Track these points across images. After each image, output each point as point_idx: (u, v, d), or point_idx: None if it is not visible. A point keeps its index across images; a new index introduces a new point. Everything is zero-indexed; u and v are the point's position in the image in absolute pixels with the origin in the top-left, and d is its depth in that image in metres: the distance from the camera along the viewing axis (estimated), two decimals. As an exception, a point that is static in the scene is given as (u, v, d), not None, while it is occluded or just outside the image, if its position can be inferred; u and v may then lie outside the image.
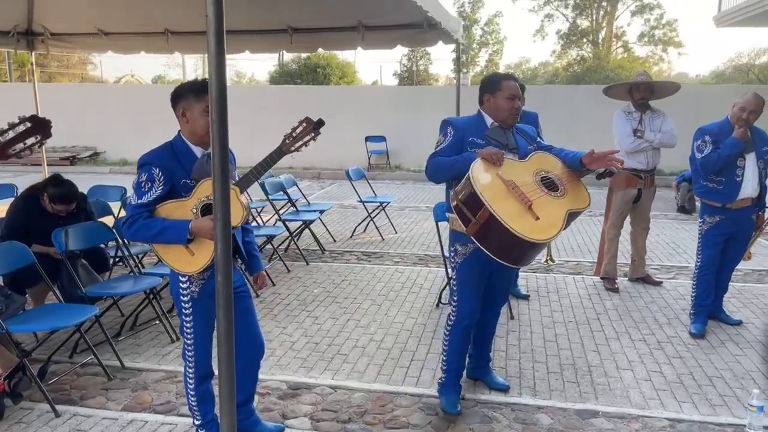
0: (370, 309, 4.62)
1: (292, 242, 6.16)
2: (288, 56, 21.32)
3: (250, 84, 30.84)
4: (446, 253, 3.17)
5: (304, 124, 2.65)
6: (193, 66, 34.38)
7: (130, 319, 4.18)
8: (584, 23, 28.64)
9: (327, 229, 7.02)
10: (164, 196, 2.44)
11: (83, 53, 21.58)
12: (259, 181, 6.23)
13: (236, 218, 2.34)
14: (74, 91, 15.49)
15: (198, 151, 2.49)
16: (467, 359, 3.30)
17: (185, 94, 2.45)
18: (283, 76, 20.45)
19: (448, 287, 3.14)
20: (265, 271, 5.21)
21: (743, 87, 12.44)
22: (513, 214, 2.57)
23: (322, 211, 6.61)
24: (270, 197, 6.11)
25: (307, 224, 6.36)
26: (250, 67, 68.95)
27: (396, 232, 7.33)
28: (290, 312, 4.55)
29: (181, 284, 2.50)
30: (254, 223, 6.03)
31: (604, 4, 27.70)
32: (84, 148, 14.21)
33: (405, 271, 5.65)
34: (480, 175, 2.67)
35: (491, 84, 3.00)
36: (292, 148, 2.64)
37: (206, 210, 2.37)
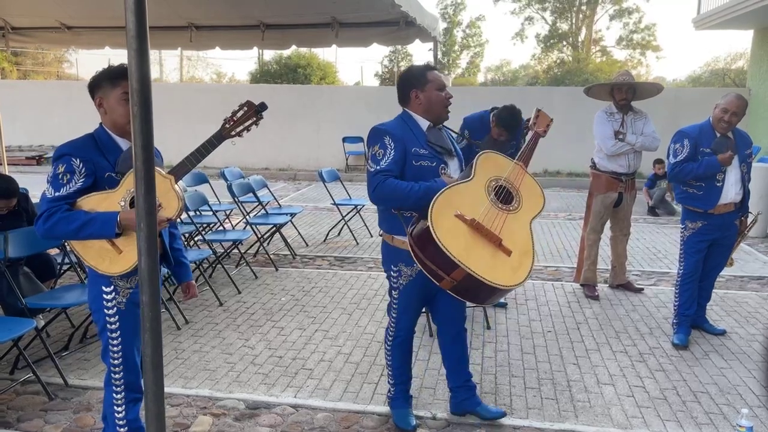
0: (340, 318, 4.38)
1: (261, 247, 5.90)
2: (269, 56, 21.02)
3: (229, 83, 30.37)
4: (384, 269, 2.87)
5: (245, 108, 2.51)
6: (173, 65, 33.84)
7: (80, 331, 3.88)
8: (563, 26, 28.73)
9: (299, 233, 6.76)
10: (86, 190, 2.18)
11: (47, 48, 21.00)
12: (227, 182, 5.99)
13: (171, 210, 2.16)
14: (41, 89, 15.02)
15: (122, 142, 2.26)
16: (450, 394, 3.05)
17: (100, 83, 2.23)
18: (263, 76, 20.11)
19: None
20: (230, 277, 5.04)
21: (720, 90, 12.46)
22: (488, 263, 2.34)
23: (293, 215, 6.35)
24: (239, 199, 5.84)
25: (277, 228, 6.11)
26: (231, 66, 68.32)
27: (371, 236, 7.09)
28: (255, 322, 4.29)
29: (105, 295, 2.24)
30: (221, 227, 5.75)
31: (583, 8, 27.80)
32: (51, 147, 13.75)
33: (378, 278, 5.41)
34: (442, 226, 2.34)
35: (417, 78, 2.70)
36: (233, 133, 2.49)
37: None
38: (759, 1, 9.46)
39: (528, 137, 2.94)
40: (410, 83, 2.72)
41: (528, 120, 3.18)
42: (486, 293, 2.40)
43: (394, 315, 2.86)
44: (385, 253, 2.85)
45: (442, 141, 2.73)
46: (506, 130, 4.17)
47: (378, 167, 2.59)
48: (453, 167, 2.76)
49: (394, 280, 2.79)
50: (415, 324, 2.93)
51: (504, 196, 2.57)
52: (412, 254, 2.45)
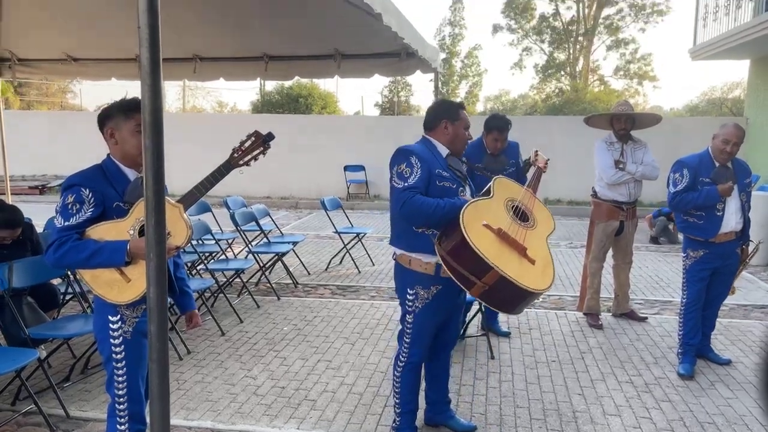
0: (343, 348, 4.36)
1: (263, 276, 5.89)
2: (270, 86, 21.26)
3: (231, 113, 30.65)
4: (398, 294, 2.94)
5: (253, 138, 2.55)
6: (175, 94, 34.20)
7: (81, 362, 3.86)
8: (561, 56, 29.10)
9: (301, 261, 6.76)
10: (95, 219, 2.21)
11: (53, 80, 21.29)
12: (230, 211, 6.02)
13: (180, 238, 2.19)
14: (44, 119, 15.16)
15: (130, 173, 2.30)
16: (426, 406, 3.20)
17: (113, 114, 2.27)
18: (265, 106, 20.33)
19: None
20: (232, 306, 5.03)
21: (718, 120, 12.58)
22: (518, 268, 2.47)
23: (295, 243, 6.37)
24: (241, 228, 5.86)
25: (279, 256, 6.11)
26: (233, 96, 69.07)
27: (373, 264, 7.09)
28: (257, 352, 4.27)
29: (111, 324, 2.24)
30: (223, 256, 5.76)
31: (580, 38, 28.23)
32: (54, 176, 13.84)
33: (381, 306, 5.40)
34: (473, 232, 2.47)
35: (452, 111, 2.90)
36: (241, 162, 2.52)
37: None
38: (754, 33, 9.62)
39: (530, 173, 3.13)
40: (443, 114, 2.89)
41: (528, 159, 3.51)
42: (515, 298, 2.52)
43: (407, 340, 2.89)
44: (400, 277, 2.89)
45: (460, 167, 2.92)
46: (498, 131, 4.26)
47: (405, 184, 2.68)
48: (467, 193, 2.90)
49: (410, 304, 2.83)
50: (427, 350, 2.94)
51: (521, 215, 2.74)
52: (442, 262, 2.55)
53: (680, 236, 5.78)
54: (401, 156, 2.75)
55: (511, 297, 2.51)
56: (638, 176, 4.77)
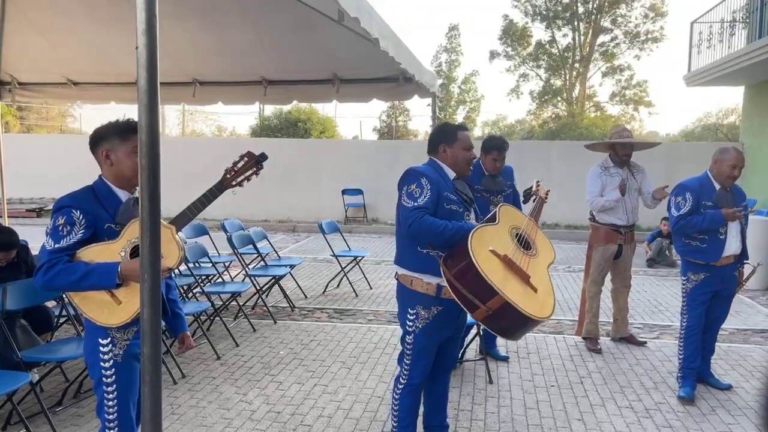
0: (340, 372, 4.31)
1: (260, 299, 5.85)
2: (269, 110, 21.44)
3: (231, 137, 30.80)
4: (399, 314, 2.93)
5: (246, 159, 2.53)
6: (175, 119, 34.36)
7: (74, 386, 3.80)
8: (557, 82, 29.40)
9: (298, 285, 6.73)
10: (85, 241, 2.18)
11: (53, 103, 21.43)
12: (227, 234, 6.00)
13: (172, 259, 2.16)
14: (44, 142, 15.22)
15: (122, 194, 2.28)
16: (423, 431, 3.13)
17: (108, 136, 2.26)
18: (264, 130, 20.48)
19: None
20: (228, 330, 4.99)
21: (714, 145, 12.68)
22: (522, 295, 2.50)
23: (292, 266, 6.34)
24: (238, 251, 5.84)
25: (276, 279, 6.08)
26: (232, 121, 69.56)
27: (371, 288, 7.06)
28: (252, 376, 4.21)
29: (101, 347, 2.20)
30: (220, 279, 5.73)
31: (576, 65, 28.56)
32: (52, 199, 13.84)
33: (378, 330, 5.35)
34: (481, 257, 2.49)
35: (448, 134, 2.91)
36: (233, 183, 2.50)
37: (136, 252, 2.12)
38: (748, 60, 9.75)
39: (531, 203, 3.21)
40: (441, 137, 2.91)
41: (531, 187, 3.56)
42: (517, 324, 2.53)
43: (407, 362, 2.87)
44: (401, 297, 2.89)
45: (467, 191, 2.92)
46: (498, 150, 4.31)
47: (415, 204, 2.69)
48: (473, 217, 2.93)
49: (410, 324, 2.83)
50: (428, 372, 2.91)
51: (524, 243, 2.77)
52: (447, 284, 2.57)
53: (678, 259, 5.79)
54: (411, 177, 2.77)
55: (513, 323, 2.53)
56: (649, 204, 4.86)
